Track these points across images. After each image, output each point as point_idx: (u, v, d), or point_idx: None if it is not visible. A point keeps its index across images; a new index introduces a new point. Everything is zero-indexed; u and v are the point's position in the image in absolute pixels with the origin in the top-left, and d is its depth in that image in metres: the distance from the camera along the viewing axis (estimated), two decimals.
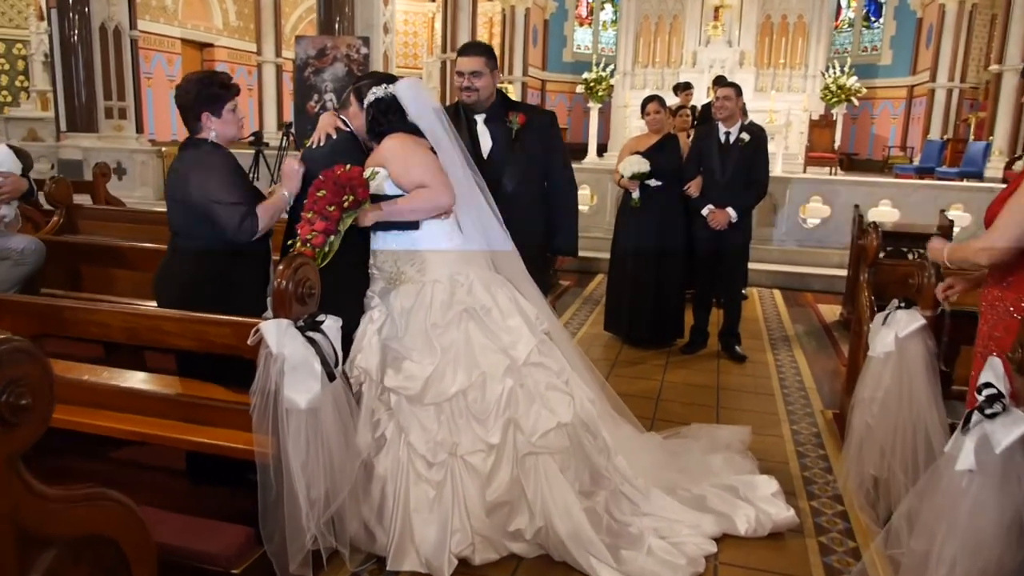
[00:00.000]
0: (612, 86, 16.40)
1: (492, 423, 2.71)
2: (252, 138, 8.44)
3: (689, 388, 4.68)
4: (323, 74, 10.72)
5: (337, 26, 10.87)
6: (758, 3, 16.85)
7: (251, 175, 8.30)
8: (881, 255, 4.81)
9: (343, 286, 2.91)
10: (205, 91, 2.89)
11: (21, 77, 15.16)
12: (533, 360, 2.82)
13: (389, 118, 2.92)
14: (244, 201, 2.84)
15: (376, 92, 2.93)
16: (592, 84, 16.02)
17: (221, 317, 2.50)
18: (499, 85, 3.61)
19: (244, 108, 17.39)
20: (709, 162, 5.20)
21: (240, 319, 2.47)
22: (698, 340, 5.49)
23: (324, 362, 2.35)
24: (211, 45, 15.55)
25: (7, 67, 15.23)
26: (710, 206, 5.16)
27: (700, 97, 12.10)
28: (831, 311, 6.78)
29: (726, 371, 5.05)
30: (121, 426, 2.51)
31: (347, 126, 3.12)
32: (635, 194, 5.39)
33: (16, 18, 15.00)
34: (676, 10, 17.51)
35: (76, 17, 11.58)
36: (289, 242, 2.74)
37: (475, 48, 3.54)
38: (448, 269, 2.86)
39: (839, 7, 18.12)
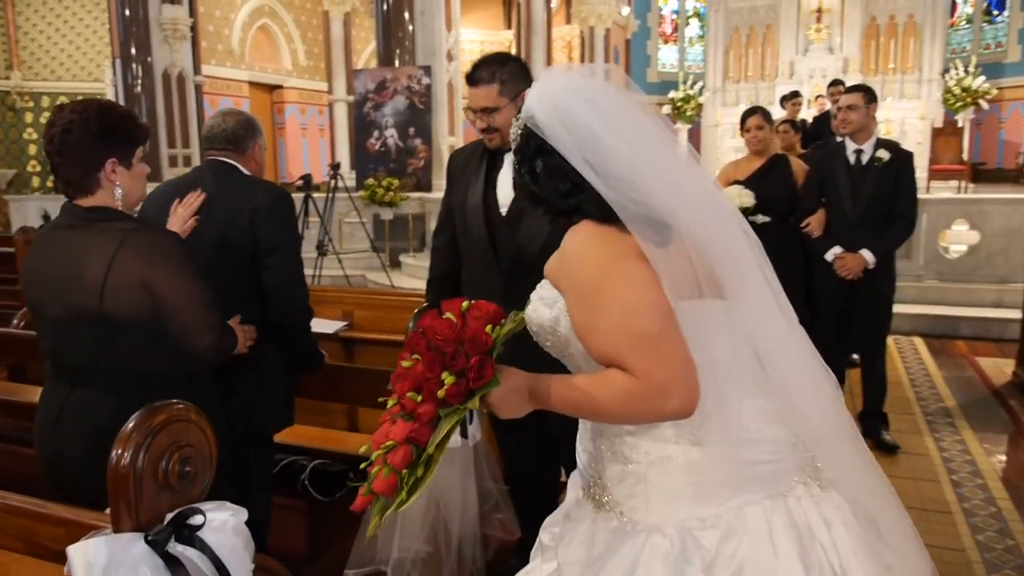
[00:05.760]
0: (701, 105, 15.22)
1: None
2: (301, 181, 7.67)
3: None
4: (383, 109, 10.00)
5: (397, 58, 10.15)
6: (861, 4, 15.35)
7: (300, 223, 7.54)
8: None
9: None
10: (114, 125, 1.88)
11: None
12: None
13: (548, 164, 1.37)
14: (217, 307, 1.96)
15: (513, 134, 1.44)
16: (679, 104, 14.89)
17: (55, 511, 1.51)
18: None
19: (316, 148, 16.99)
20: (835, 191, 3.95)
21: (82, 515, 1.48)
22: None
23: None
24: (280, 87, 15.23)
25: None
26: (837, 248, 3.90)
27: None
28: (996, 368, 5.31)
29: None
30: None
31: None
32: None
33: (95, 71, 15.12)
34: (769, 19, 16.23)
35: (138, 66, 11.36)
36: (362, 448, 1.37)
37: (483, 71, 2.27)
38: (683, 507, 1.34)
39: (954, 3, 16.26)
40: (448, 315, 1.30)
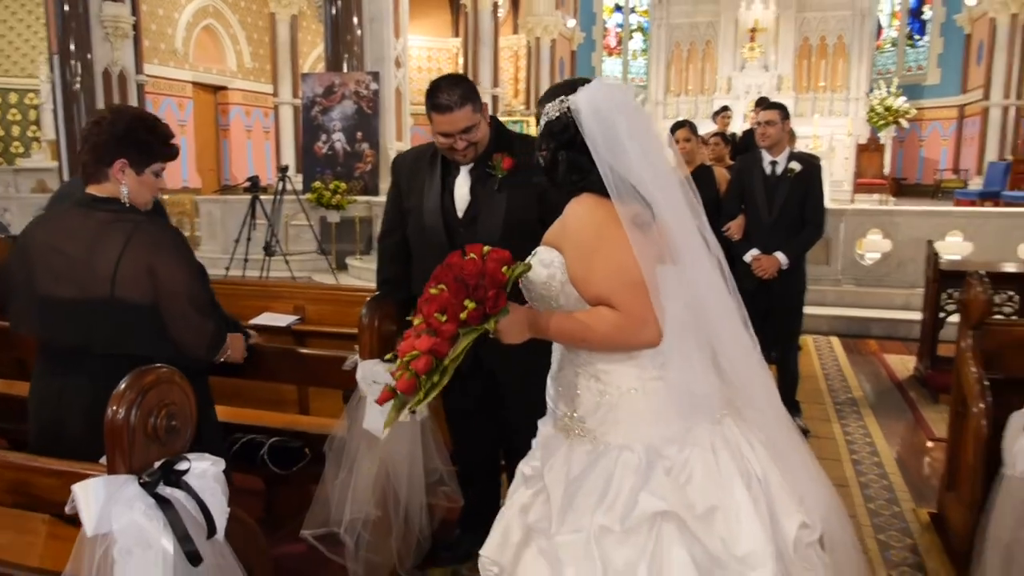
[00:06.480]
0: None
1: None
2: (248, 183, 7.77)
3: None
4: (331, 113, 10.13)
5: (346, 63, 10.30)
6: (794, 25, 16.11)
7: (246, 226, 7.63)
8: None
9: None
10: (137, 133, 2.08)
11: (33, 127, 14.87)
12: None
13: (571, 159, 1.73)
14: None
15: (549, 111, 1.76)
16: None
17: (48, 464, 1.70)
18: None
19: (261, 150, 16.81)
20: (752, 198, 4.32)
21: (74, 466, 1.67)
22: None
23: (184, 537, 1.53)
24: (225, 88, 15.16)
25: (19, 117, 14.98)
26: (755, 251, 4.27)
27: (737, 124, 11.30)
28: (902, 363, 5.78)
29: None
30: None
31: None
32: None
33: (29, 67, 14.76)
34: (709, 35, 16.87)
35: (78, 63, 11.19)
36: (387, 357, 1.74)
37: (453, 96, 2.37)
38: (647, 429, 1.67)
39: (880, 26, 17.21)
40: (472, 256, 1.63)
